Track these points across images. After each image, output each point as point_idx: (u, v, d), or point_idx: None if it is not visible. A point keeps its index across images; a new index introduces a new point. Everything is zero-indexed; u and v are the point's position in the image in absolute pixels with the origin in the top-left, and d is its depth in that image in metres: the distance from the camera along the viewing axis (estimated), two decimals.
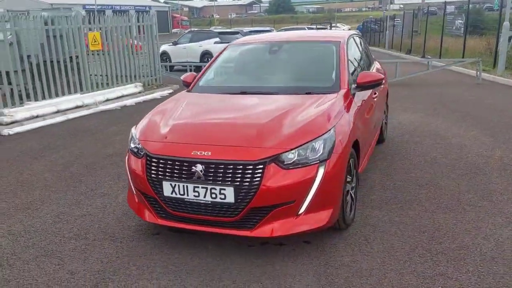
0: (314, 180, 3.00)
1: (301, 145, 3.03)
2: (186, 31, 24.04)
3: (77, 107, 9.06)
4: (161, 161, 3.15)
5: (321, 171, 3.01)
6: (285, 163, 2.98)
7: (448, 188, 4.33)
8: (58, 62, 9.06)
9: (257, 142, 3.03)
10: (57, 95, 9.07)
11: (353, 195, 3.62)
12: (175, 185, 3.07)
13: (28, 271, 3.13)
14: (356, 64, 4.55)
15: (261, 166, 2.93)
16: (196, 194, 3.03)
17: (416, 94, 10.01)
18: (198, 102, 3.90)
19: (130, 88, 10.69)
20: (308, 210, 3.04)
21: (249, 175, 2.93)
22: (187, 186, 3.04)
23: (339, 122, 3.31)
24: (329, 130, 3.17)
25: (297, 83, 4.04)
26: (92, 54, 9.93)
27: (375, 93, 4.64)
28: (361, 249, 3.25)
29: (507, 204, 3.93)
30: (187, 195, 3.06)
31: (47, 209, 4.21)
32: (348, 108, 3.64)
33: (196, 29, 23.51)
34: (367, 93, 4.24)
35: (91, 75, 9.91)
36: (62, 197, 4.50)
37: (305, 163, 3.01)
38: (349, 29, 55.99)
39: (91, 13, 10.69)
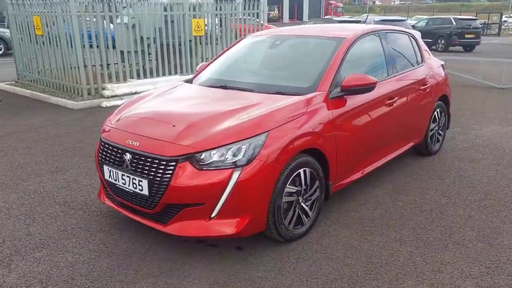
0: (226, 185, 2.84)
1: (219, 147, 2.89)
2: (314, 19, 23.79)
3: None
4: (105, 145, 3.34)
5: (234, 177, 2.84)
6: (200, 163, 2.88)
7: (452, 220, 3.61)
8: (163, 45, 9.93)
9: (179, 139, 2.98)
10: (157, 75, 10.00)
11: (306, 208, 3.30)
12: (111, 170, 3.24)
13: (4, 225, 3.66)
14: (366, 65, 4.04)
15: (173, 163, 2.90)
16: (124, 181, 3.14)
17: None
18: (173, 93, 3.95)
19: None
20: (220, 216, 2.91)
21: (161, 171, 2.93)
22: (117, 173, 3.18)
23: (280, 127, 3.04)
24: (258, 134, 2.94)
25: (274, 81, 3.78)
26: (195, 39, 10.59)
27: (391, 98, 4.06)
28: (276, 267, 2.97)
29: (505, 252, 3.13)
30: (118, 181, 3.19)
31: (67, 175, 4.79)
32: (314, 112, 3.30)
33: (317, 17, 23.17)
34: (369, 97, 3.74)
35: (199, 57, 10.60)
36: (88, 166, 5.04)
37: (220, 166, 2.86)
38: None
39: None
